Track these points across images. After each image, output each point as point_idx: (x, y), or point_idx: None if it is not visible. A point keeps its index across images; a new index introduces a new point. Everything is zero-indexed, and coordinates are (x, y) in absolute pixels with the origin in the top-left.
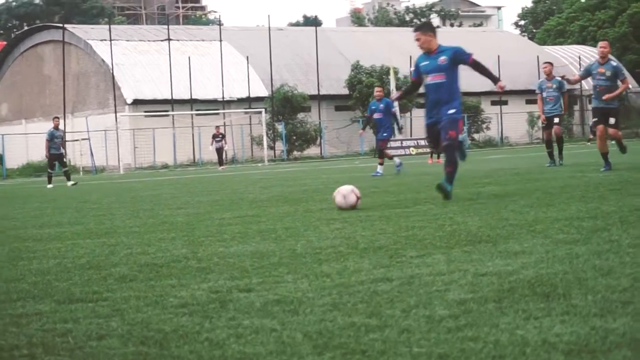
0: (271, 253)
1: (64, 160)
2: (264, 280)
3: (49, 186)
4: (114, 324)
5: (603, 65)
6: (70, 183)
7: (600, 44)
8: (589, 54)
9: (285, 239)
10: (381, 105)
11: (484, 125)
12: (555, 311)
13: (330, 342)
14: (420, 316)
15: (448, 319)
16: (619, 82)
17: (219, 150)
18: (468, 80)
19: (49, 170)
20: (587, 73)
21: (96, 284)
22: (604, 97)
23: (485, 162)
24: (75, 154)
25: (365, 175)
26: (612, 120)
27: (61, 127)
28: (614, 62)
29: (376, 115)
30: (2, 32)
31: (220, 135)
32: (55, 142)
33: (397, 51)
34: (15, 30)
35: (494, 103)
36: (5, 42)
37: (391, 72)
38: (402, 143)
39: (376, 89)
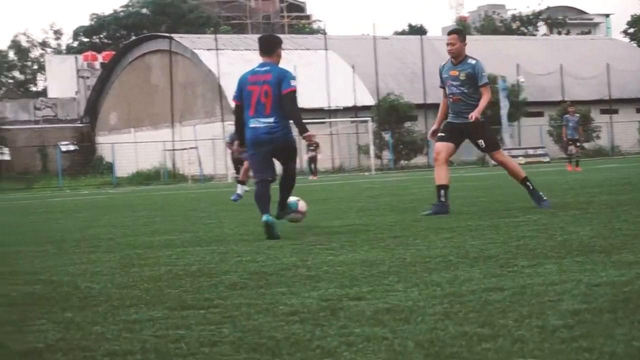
0: (380, 262)
1: None
2: (374, 288)
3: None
4: (225, 331)
5: (456, 67)
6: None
7: (449, 37)
8: None
9: (394, 248)
10: None
11: (594, 134)
12: None
13: (442, 351)
14: (534, 326)
15: (562, 329)
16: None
17: (312, 159)
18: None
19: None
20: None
21: (207, 291)
22: (469, 116)
23: (596, 171)
24: (183, 163)
25: (475, 185)
26: (481, 143)
27: (173, 135)
28: (472, 61)
29: None
30: (110, 42)
31: (314, 144)
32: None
33: (504, 59)
34: (123, 40)
35: (603, 112)
36: (113, 52)
37: (499, 80)
38: (510, 153)
39: None
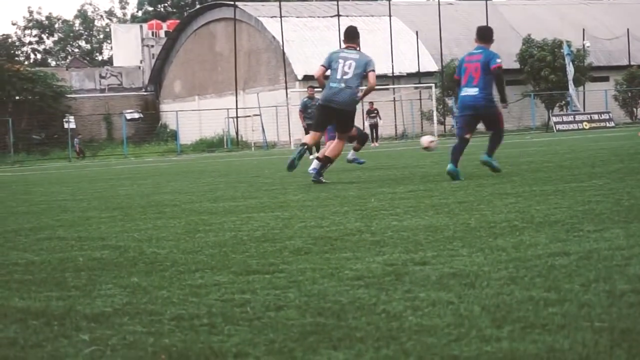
0: (445, 227)
1: None
2: (438, 253)
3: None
4: (291, 295)
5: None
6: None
7: None
8: None
9: (458, 213)
10: None
11: None
12: None
13: (508, 315)
14: (600, 291)
15: (630, 293)
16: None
17: (373, 127)
18: None
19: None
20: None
21: (272, 256)
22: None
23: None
24: (247, 130)
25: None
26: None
27: (237, 103)
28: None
29: None
30: (175, 10)
31: (375, 111)
32: (309, 112)
33: (569, 24)
34: (187, 8)
35: None
36: (178, 21)
37: (564, 45)
38: (574, 118)
39: None
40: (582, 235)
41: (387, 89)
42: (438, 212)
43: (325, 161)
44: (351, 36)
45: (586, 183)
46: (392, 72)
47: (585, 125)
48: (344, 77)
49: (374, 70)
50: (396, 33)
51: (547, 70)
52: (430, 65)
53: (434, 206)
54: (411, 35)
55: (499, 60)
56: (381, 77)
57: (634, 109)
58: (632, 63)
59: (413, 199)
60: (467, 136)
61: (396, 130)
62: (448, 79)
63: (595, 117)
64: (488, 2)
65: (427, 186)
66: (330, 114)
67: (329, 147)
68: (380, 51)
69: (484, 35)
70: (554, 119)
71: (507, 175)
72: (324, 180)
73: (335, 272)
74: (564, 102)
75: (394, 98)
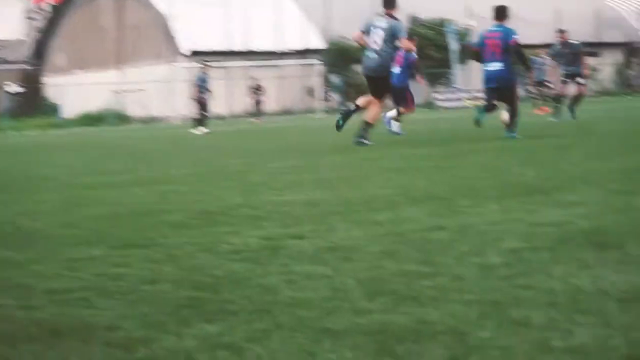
0: (324, 201)
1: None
2: (316, 228)
3: (205, 130)
4: (167, 269)
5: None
6: (199, 130)
7: None
8: None
9: (338, 188)
10: None
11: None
12: (610, 260)
13: (382, 288)
14: (473, 264)
15: (501, 267)
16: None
17: (257, 103)
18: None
19: (202, 112)
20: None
21: (150, 230)
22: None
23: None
24: (131, 105)
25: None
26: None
27: (121, 77)
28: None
29: None
30: None
31: (259, 88)
32: (204, 86)
33: (455, 3)
34: None
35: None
36: None
37: (449, 24)
38: (456, 95)
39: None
40: (459, 210)
41: (273, 65)
42: (319, 187)
43: (367, 126)
44: (386, 3)
45: (465, 159)
46: (278, 49)
47: (468, 102)
48: (374, 46)
49: (404, 36)
50: (284, 9)
51: (432, 48)
52: (316, 42)
53: (315, 181)
54: (299, 11)
55: (515, 36)
56: (266, 54)
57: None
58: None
59: (295, 173)
60: (495, 102)
61: (281, 106)
62: (334, 56)
63: (478, 95)
64: None
65: (309, 161)
66: (369, 81)
67: (368, 113)
68: (267, 27)
69: (501, 13)
70: (437, 97)
71: (389, 151)
72: (367, 143)
73: (213, 246)
74: (447, 80)
75: (280, 74)
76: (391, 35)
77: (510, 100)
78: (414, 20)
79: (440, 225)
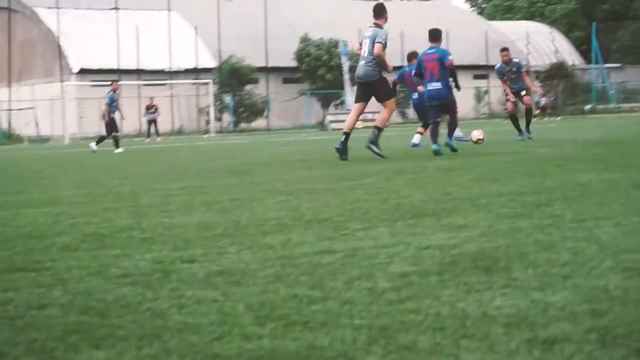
0: (215, 224)
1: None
2: (207, 251)
3: (119, 150)
4: (56, 294)
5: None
6: (118, 150)
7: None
8: (537, 29)
9: (230, 211)
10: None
11: None
12: (497, 284)
13: (272, 313)
14: (363, 288)
15: (390, 291)
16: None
17: (152, 122)
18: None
19: (114, 134)
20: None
21: (39, 253)
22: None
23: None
24: (20, 123)
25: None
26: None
27: (10, 95)
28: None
29: None
30: None
31: (154, 107)
32: (114, 105)
33: (346, 24)
34: None
35: None
36: None
37: (340, 44)
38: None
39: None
40: (349, 233)
41: (163, 84)
42: (210, 210)
43: (376, 129)
44: (376, 13)
45: (356, 182)
46: (170, 67)
47: (359, 124)
48: (364, 54)
49: (380, 42)
50: (175, 28)
51: (323, 69)
52: (208, 61)
53: (207, 203)
54: (190, 30)
55: (450, 58)
56: (158, 72)
57: (405, 109)
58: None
59: (186, 195)
60: (439, 119)
61: (173, 125)
62: (226, 75)
63: (369, 116)
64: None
65: (200, 183)
66: (361, 88)
67: (377, 117)
68: (159, 46)
69: (435, 36)
70: (330, 118)
71: (279, 173)
72: (376, 150)
73: (103, 270)
74: (339, 101)
75: (171, 94)
76: (373, 43)
77: (452, 112)
78: (306, 41)
79: (331, 249)
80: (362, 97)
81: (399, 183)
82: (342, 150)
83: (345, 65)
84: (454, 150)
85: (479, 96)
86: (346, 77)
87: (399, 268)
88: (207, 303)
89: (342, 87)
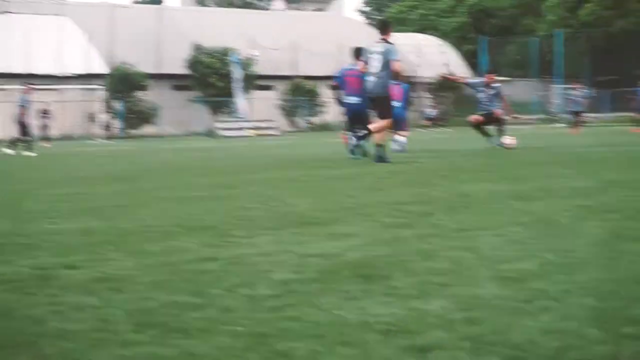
0: (99, 230)
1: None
2: (89, 257)
3: (33, 154)
4: None
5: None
6: (30, 154)
7: None
8: (427, 42)
9: (115, 217)
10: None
11: (321, 110)
12: (376, 292)
13: (151, 320)
14: (243, 295)
15: (270, 298)
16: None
17: (45, 127)
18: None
19: (27, 137)
20: None
21: None
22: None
23: (320, 145)
24: None
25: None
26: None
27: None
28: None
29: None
30: None
31: (47, 112)
32: (26, 108)
33: (238, 33)
34: None
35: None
36: None
37: (231, 53)
38: (240, 125)
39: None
40: (233, 241)
41: (55, 89)
42: (95, 216)
43: (378, 146)
44: (382, 29)
45: (244, 189)
46: (60, 73)
47: (250, 132)
48: (372, 70)
49: (397, 60)
50: (67, 33)
51: (214, 77)
52: (100, 67)
53: (92, 209)
54: (82, 36)
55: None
56: (48, 77)
57: (296, 118)
58: (296, 74)
59: (71, 201)
60: (366, 129)
61: (62, 131)
62: (116, 81)
63: (261, 124)
64: (161, 6)
65: (86, 189)
66: (372, 102)
67: (376, 136)
68: (50, 51)
69: (357, 54)
70: (220, 125)
71: (166, 180)
72: (387, 160)
73: None
74: (230, 109)
75: (62, 99)
76: (386, 59)
77: (366, 126)
78: (198, 49)
79: (213, 256)
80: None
81: (286, 191)
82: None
83: (236, 73)
84: (365, 155)
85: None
86: (237, 85)
87: (281, 276)
88: (86, 309)
89: (232, 95)
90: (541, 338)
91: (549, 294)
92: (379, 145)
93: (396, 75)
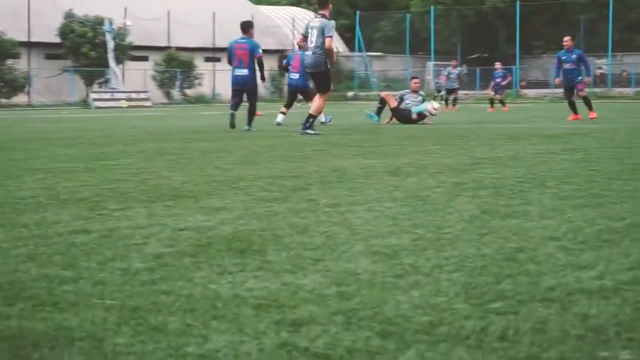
0: None
1: None
2: None
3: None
4: None
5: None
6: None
7: None
8: (302, 15)
9: None
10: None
11: (197, 82)
12: (250, 267)
13: (21, 293)
14: (116, 269)
15: (144, 272)
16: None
17: None
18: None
19: None
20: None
21: None
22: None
23: (195, 118)
24: None
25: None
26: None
27: None
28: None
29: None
30: None
31: None
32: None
33: (111, 2)
34: None
35: (207, 60)
36: None
37: (105, 22)
38: (113, 95)
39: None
40: (106, 213)
41: None
42: None
43: (310, 117)
44: (320, 3)
45: (117, 161)
46: None
47: (124, 103)
48: (310, 45)
49: (330, 36)
50: None
51: (87, 46)
52: None
53: None
54: None
55: (260, 51)
56: None
57: (171, 90)
58: (171, 45)
59: None
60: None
61: None
62: None
63: (134, 95)
64: None
65: None
66: (310, 77)
67: (312, 105)
68: None
69: (245, 28)
70: (93, 96)
71: (38, 151)
72: (311, 132)
73: None
74: (103, 79)
75: None
76: (322, 33)
77: (252, 100)
78: (70, 17)
79: (86, 228)
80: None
81: (159, 164)
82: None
83: (110, 43)
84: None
85: None
86: (111, 55)
87: (154, 249)
88: None
89: (106, 65)
90: (412, 313)
91: (420, 269)
92: (311, 116)
93: (329, 52)
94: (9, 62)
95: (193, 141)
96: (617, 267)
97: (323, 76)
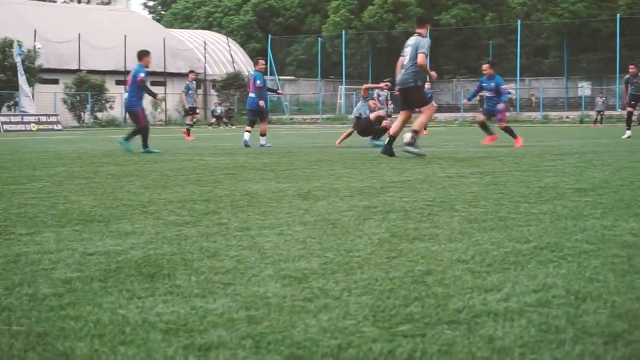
0: None
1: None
2: None
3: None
4: None
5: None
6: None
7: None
8: (213, 39)
9: None
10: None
11: (108, 105)
12: (159, 291)
13: None
14: (23, 294)
15: (51, 297)
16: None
17: None
18: (92, 58)
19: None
20: None
21: None
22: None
23: (106, 141)
24: None
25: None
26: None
27: None
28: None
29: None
30: None
31: None
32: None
33: (22, 24)
34: None
35: (118, 83)
36: None
37: (15, 44)
38: (22, 118)
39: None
40: (14, 238)
41: None
42: None
43: (414, 133)
44: (418, 23)
45: (25, 185)
46: None
47: (33, 126)
48: (404, 62)
49: (423, 52)
50: None
51: None
52: None
53: None
54: None
55: (142, 75)
56: None
57: (82, 113)
58: (82, 67)
59: None
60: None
61: None
62: None
63: (44, 119)
64: None
65: None
66: (400, 94)
67: (415, 121)
68: None
69: (139, 55)
70: (2, 119)
71: None
72: (414, 151)
73: None
74: (12, 102)
75: None
76: (416, 50)
77: (135, 122)
78: None
79: None
80: (404, 104)
81: (69, 188)
82: (389, 152)
83: (20, 66)
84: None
85: (156, 103)
86: (22, 78)
87: (63, 274)
88: None
89: (16, 88)
90: (321, 336)
91: (329, 292)
92: (414, 132)
93: (421, 67)
94: None
95: (104, 165)
96: (522, 289)
97: (414, 92)
